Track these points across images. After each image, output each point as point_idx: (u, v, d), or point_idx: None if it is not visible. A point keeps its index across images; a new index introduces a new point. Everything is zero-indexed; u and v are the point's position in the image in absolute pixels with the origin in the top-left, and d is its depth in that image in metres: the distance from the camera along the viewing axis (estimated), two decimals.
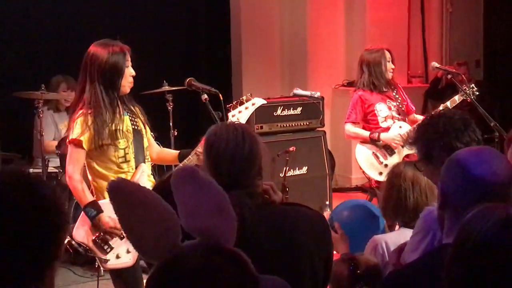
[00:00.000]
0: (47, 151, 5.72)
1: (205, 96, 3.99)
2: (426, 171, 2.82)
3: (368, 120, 5.35)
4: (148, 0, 7.03)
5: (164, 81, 5.88)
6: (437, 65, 5.89)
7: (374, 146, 5.32)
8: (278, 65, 7.86)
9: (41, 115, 5.67)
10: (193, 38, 7.40)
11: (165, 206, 1.45)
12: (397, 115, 5.34)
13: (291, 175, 6.27)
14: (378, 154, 5.31)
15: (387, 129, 5.29)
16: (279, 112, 6.40)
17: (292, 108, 6.51)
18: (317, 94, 6.59)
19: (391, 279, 2.28)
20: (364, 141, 5.36)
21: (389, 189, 3.15)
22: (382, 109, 5.31)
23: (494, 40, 9.38)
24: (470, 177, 2.05)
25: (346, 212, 3.46)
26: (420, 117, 5.39)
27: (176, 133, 5.84)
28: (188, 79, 4.07)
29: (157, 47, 6.97)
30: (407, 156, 5.21)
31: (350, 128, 5.38)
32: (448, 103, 5.22)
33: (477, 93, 5.20)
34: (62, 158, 5.61)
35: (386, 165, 5.23)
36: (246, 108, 3.98)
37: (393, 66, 5.38)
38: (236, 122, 2.93)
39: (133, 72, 3.69)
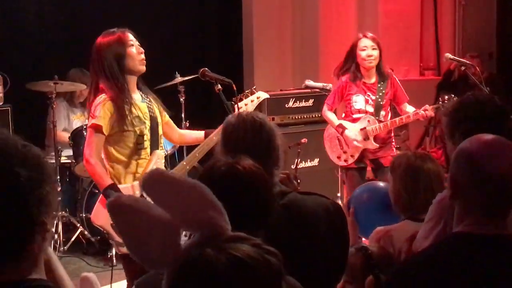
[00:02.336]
0: (59, 142, 5.77)
1: (219, 86, 4.02)
2: (448, 145, 2.87)
3: (345, 105, 5.46)
4: None
5: (176, 73, 5.89)
6: (450, 56, 5.86)
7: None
8: (290, 56, 7.85)
9: (54, 106, 5.74)
10: (205, 30, 7.40)
11: (159, 213, 1.41)
12: (371, 109, 5.35)
13: (303, 167, 6.28)
14: (342, 140, 5.42)
15: (356, 119, 5.36)
16: (290, 104, 6.41)
17: (304, 100, 6.53)
18: (329, 86, 6.58)
19: (402, 268, 2.28)
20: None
21: (404, 182, 3.11)
22: (358, 101, 5.35)
23: (507, 32, 9.33)
24: (483, 174, 2.04)
25: (366, 195, 3.48)
26: (411, 109, 5.40)
27: (188, 125, 5.85)
28: (202, 69, 4.09)
29: (169, 39, 6.97)
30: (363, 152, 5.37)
31: (325, 111, 5.50)
32: (411, 114, 5.29)
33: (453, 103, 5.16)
34: (76, 148, 5.65)
35: (345, 152, 5.41)
36: (252, 101, 4.04)
37: (370, 53, 5.26)
38: (254, 113, 2.96)
39: (140, 50, 3.73)
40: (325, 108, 5.50)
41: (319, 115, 6.62)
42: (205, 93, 4.55)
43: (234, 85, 4.01)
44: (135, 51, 3.71)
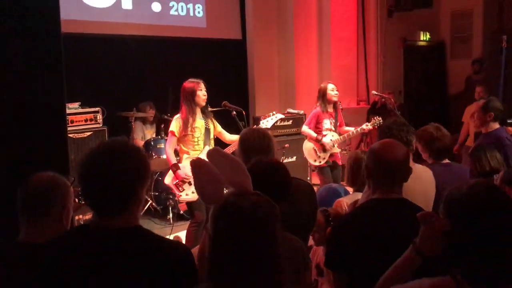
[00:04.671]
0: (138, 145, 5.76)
1: (234, 112, 4.10)
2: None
3: (316, 126, 5.29)
4: (197, 54, 6.92)
5: (208, 105, 5.85)
6: (375, 92, 5.87)
7: (315, 144, 5.28)
8: (277, 93, 7.83)
9: (133, 127, 5.72)
10: (226, 78, 7.29)
11: (217, 173, 1.51)
12: (332, 128, 5.29)
13: (286, 162, 6.24)
14: (316, 149, 5.27)
15: (324, 135, 5.26)
16: (278, 123, 6.39)
17: (286, 121, 6.53)
18: (302, 112, 6.58)
19: (342, 220, 2.27)
20: (310, 139, 5.31)
21: (352, 168, 3.15)
22: (326, 123, 5.25)
23: (410, 78, 9.38)
24: (380, 161, 2.05)
25: (324, 193, 3.49)
26: (348, 128, 5.38)
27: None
28: (224, 102, 4.20)
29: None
30: (331, 154, 5.26)
31: (305, 129, 5.33)
32: (358, 129, 5.23)
33: (381, 122, 5.07)
34: (146, 152, 5.63)
35: (319, 156, 5.27)
36: (272, 118, 4.28)
37: (336, 93, 5.25)
38: (259, 127, 3.08)
39: (204, 93, 4.04)
40: (305, 127, 5.35)
41: (296, 130, 6.60)
42: (224, 118, 4.55)
43: (244, 112, 4.19)
44: (201, 94, 4.01)
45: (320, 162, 5.29)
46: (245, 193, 1.47)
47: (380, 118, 5.18)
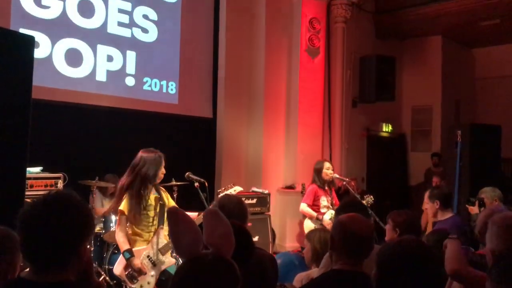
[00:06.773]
0: (97, 214, 5.60)
1: (197, 184, 4.05)
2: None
3: (314, 203, 5.35)
4: (167, 128, 7.04)
5: (172, 178, 5.83)
6: (337, 176, 5.99)
7: (317, 222, 5.32)
8: (243, 172, 7.89)
9: (94, 195, 5.59)
10: (193, 153, 7.35)
11: (196, 228, 1.49)
12: (330, 205, 5.38)
13: None
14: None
15: (323, 213, 5.33)
16: None
17: (250, 199, 6.49)
18: (266, 192, 6.61)
19: None
20: (310, 217, 5.32)
21: (314, 247, 3.14)
22: (324, 200, 5.36)
23: (372, 165, 9.65)
24: (347, 232, 2.11)
25: (279, 260, 3.44)
26: None
27: None
28: (187, 173, 4.14)
29: (169, 159, 6.95)
30: None
31: (304, 207, 5.37)
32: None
33: (373, 200, 5.22)
34: (105, 223, 5.47)
35: None
36: (230, 192, 4.12)
37: (331, 172, 5.38)
38: (235, 195, 3.06)
39: (163, 171, 3.68)
40: (303, 205, 5.35)
41: (260, 209, 6.54)
42: (188, 190, 4.50)
43: (206, 183, 4.11)
44: (161, 171, 3.66)
45: None
46: (220, 255, 1.46)
47: (372, 196, 5.26)
